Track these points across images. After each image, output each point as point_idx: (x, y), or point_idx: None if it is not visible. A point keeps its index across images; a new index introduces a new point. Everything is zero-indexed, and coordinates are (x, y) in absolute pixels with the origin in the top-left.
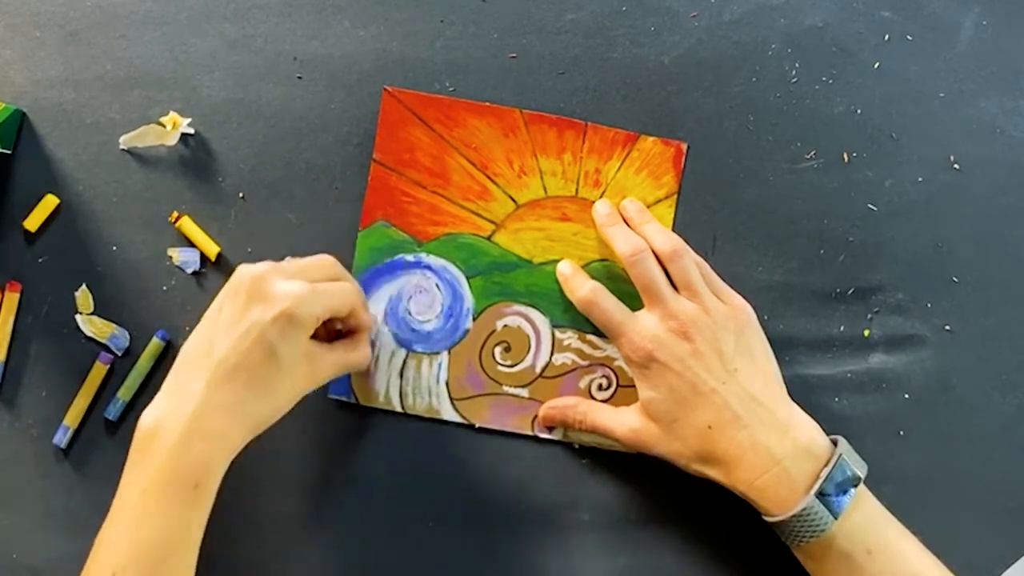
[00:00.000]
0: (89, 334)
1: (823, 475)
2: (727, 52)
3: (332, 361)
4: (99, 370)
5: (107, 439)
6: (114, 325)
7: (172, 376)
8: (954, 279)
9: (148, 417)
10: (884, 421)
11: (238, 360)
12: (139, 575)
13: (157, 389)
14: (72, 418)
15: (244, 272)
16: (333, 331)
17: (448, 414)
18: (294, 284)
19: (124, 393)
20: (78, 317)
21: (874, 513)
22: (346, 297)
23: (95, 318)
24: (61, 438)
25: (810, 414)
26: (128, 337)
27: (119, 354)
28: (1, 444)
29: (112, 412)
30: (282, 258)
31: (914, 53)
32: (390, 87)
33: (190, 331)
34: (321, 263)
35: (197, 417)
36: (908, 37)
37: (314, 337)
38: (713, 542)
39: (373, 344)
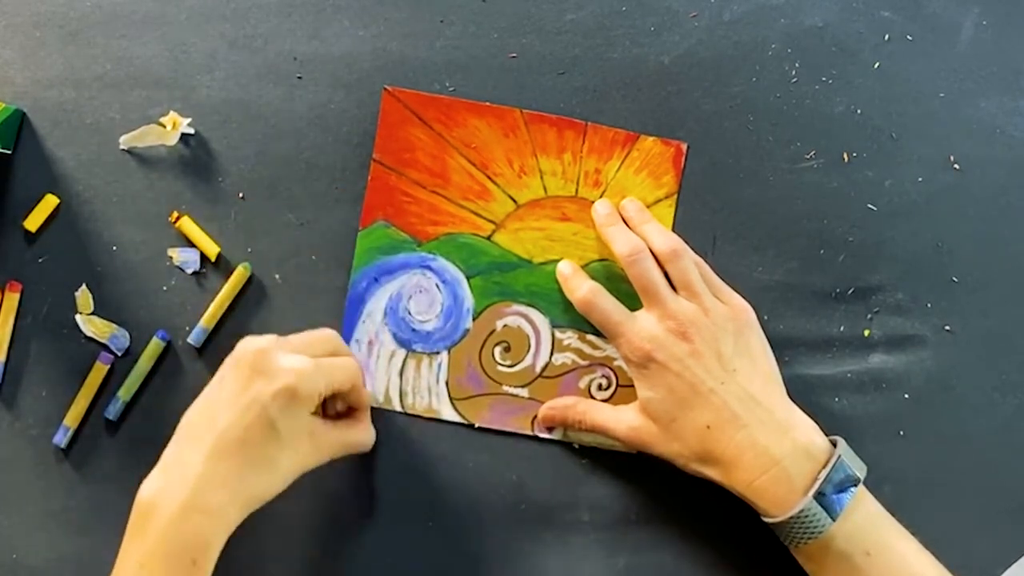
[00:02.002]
0: (89, 334)
1: (822, 476)
2: (727, 52)
3: (335, 439)
4: (99, 370)
5: (107, 439)
6: (114, 325)
7: (172, 447)
8: (954, 279)
9: (146, 490)
10: (884, 421)
11: (239, 434)
12: None
13: (157, 389)
14: (72, 418)
15: (247, 345)
16: (332, 411)
17: (448, 414)
18: (297, 359)
19: (124, 393)
20: (78, 317)
21: (873, 514)
22: (348, 373)
23: (95, 318)
24: (61, 438)
25: (810, 414)
26: (128, 337)
27: (119, 354)
28: (1, 444)
29: (112, 412)
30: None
31: (914, 53)
32: (390, 87)
33: (189, 331)
34: (324, 338)
35: (195, 492)
36: (908, 37)
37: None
38: (713, 542)
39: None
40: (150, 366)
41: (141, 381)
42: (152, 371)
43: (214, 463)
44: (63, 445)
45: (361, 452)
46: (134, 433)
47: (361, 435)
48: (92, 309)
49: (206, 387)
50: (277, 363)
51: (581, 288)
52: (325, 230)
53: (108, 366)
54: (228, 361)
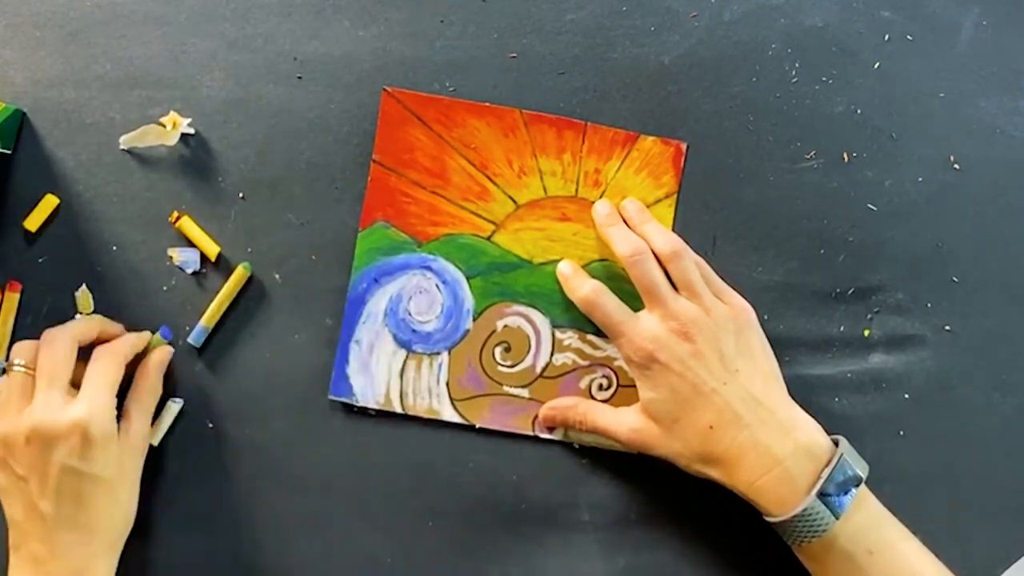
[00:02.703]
0: None
1: (824, 475)
2: (727, 52)
3: (136, 431)
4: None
5: None
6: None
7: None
8: (954, 279)
9: None
10: (884, 421)
11: (69, 510)
12: None
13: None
14: None
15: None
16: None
17: (448, 415)
18: (56, 409)
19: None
20: (78, 317)
21: (875, 513)
22: (80, 334)
23: (95, 317)
24: None
25: (810, 414)
26: None
27: None
28: None
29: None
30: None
31: (914, 53)
32: (389, 87)
33: (189, 331)
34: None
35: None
36: (908, 37)
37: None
38: (713, 542)
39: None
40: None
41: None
42: None
43: (64, 548)
44: None
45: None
46: None
47: (142, 403)
48: (92, 309)
49: None
50: (51, 425)
51: (583, 287)
52: (325, 230)
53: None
54: None
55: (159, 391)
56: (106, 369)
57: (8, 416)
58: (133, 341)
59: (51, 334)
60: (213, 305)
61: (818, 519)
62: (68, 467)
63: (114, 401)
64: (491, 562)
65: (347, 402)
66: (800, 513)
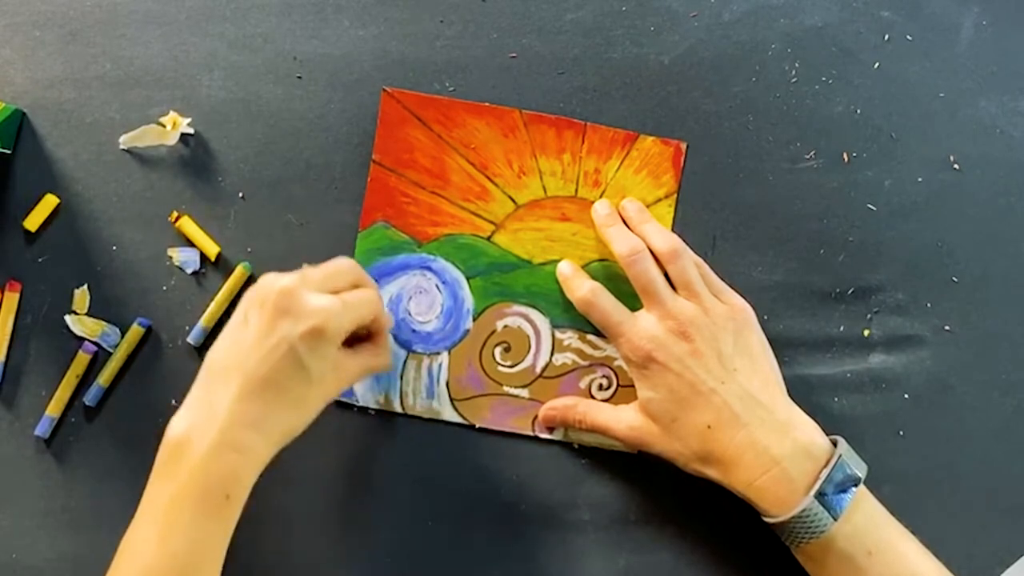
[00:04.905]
0: (79, 333)
1: (823, 476)
2: (727, 52)
3: (357, 367)
4: (81, 360)
5: (103, 432)
6: (104, 323)
7: (199, 386)
8: (954, 279)
9: (177, 427)
10: (884, 421)
11: (268, 374)
12: None
13: (157, 389)
14: (55, 407)
15: (271, 282)
16: (352, 336)
17: (448, 415)
18: (323, 299)
19: (103, 380)
20: (68, 317)
21: (874, 514)
22: (371, 306)
23: (85, 317)
24: (46, 429)
25: (810, 414)
26: (119, 334)
27: (112, 351)
28: (1, 443)
29: (91, 398)
30: (298, 265)
31: (914, 53)
32: (389, 88)
33: (189, 331)
34: (345, 269)
35: (226, 430)
36: (908, 37)
37: None
38: (713, 542)
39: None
40: (128, 352)
41: (120, 366)
42: (152, 370)
43: (244, 403)
44: (46, 436)
45: (382, 373)
46: (136, 434)
47: (381, 359)
48: (87, 309)
49: (228, 325)
50: (304, 303)
51: (581, 288)
52: (325, 230)
53: (90, 356)
54: (250, 298)
55: (388, 363)
56: (363, 301)
57: (279, 275)
58: (382, 307)
59: (343, 261)
60: (213, 305)
61: (816, 520)
62: (290, 343)
63: (351, 328)
64: (491, 562)
65: (347, 402)
66: (799, 513)
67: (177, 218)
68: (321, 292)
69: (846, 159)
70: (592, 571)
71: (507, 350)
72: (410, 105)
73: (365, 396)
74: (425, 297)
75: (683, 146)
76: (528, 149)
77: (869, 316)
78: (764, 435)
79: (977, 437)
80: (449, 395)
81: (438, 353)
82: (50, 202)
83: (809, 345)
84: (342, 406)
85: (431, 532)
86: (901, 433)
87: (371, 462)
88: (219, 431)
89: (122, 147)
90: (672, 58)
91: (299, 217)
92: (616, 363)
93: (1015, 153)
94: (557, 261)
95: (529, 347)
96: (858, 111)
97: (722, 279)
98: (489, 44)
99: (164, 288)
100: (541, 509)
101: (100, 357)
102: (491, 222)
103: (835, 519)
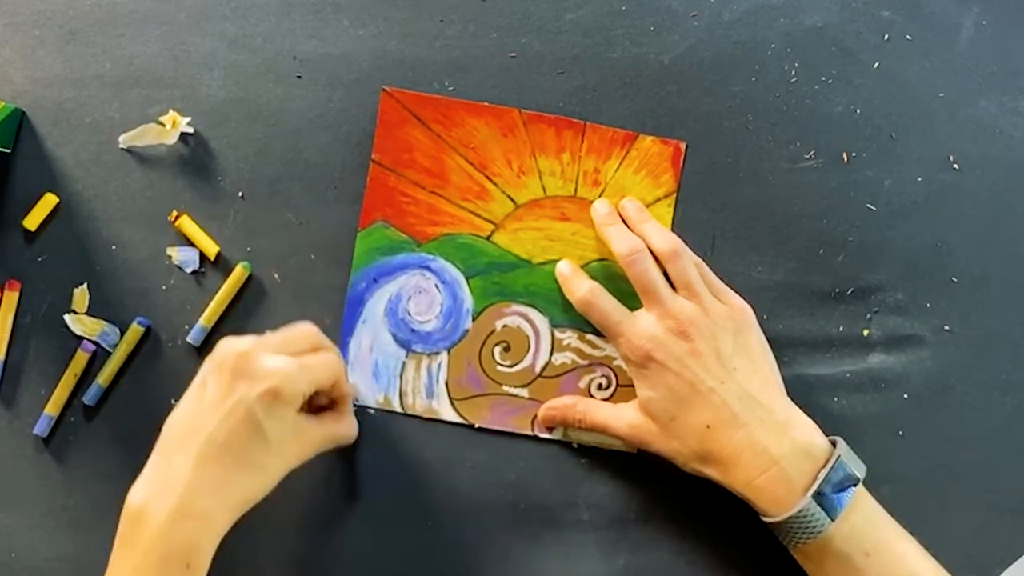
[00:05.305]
0: (79, 332)
1: (821, 476)
2: (727, 52)
3: (320, 435)
4: (80, 359)
5: (101, 431)
6: (103, 322)
7: (157, 453)
8: (954, 279)
9: (135, 496)
10: (883, 421)
11: (226, 439)
12: None
13: (158, 389)
14: (54, 406)
15: (228, 347)
16: (314, 404)
17: (448, 414)
18: (280, 360)
19: (103, 379)
20: (67, 316)
21: (873, 514)
22: (330, 369)
23: (84, 316)
24: (44, 428)
25: (809, 414)
26: (118, 333)
27: (111, 351)
28: (0, 443)
29: (90, 397)
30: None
31: (914, 53)
32: (388, 87)
33: (188, 330)
34: (304, 333)
35: (184, 498)
36: (908, 37)
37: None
38: (713, 542)
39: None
40: (129, 351)
41: (119, 366)
42: (151, 370)
43: (202, 469)
44: (44, 435)
45: (345, 444)
46: (136, 433)
47: (344, 428)
48: (87, 308)
49: (187, 391)
50: (260, 365)
51: (581, 288)
52: (325, 230)
53: (90, 355)
54: (208, 364)
55: (352, 432)
56: (322, 364)
57: (237, 339)
58: (343, 372)
59: (303, 325)
60: (212, 304)
61: (815, 520)
62: (247, 405)
63: (309, 391)
64: (491, 562)
65: None
66: (797, 513)
67: (177, 217)
68: (279, 355)
69: (846, 159)
70: (591, 570)
71: (506, 350)
72: (410, 105)
73: (365, 396)
74: (424, 297)
75: (683, 146)
76: (527, 149)
77: (869, 316)
78: (763, 435)
79: (977, 437)
80: (448, 395)
81: (437, 353)
82: (50, 201)
83: (809, 345)
84: None
85: (431, 532)
86: (901, 433)
87: (371, 462)
88: (176, 499)
89: (122, 146)
90: (672, 58)
91: (299, 216)
92: (615, 363)
93: (1015, 153)
94: (556, 261)
95: (528, 347)
96: (858, 111)
97: (722, 279)
98: (489, 44)
99: (163, 287)
100: (540, 509)
101: (99, 356)
102: (490, 222)
103: (833, 519)
